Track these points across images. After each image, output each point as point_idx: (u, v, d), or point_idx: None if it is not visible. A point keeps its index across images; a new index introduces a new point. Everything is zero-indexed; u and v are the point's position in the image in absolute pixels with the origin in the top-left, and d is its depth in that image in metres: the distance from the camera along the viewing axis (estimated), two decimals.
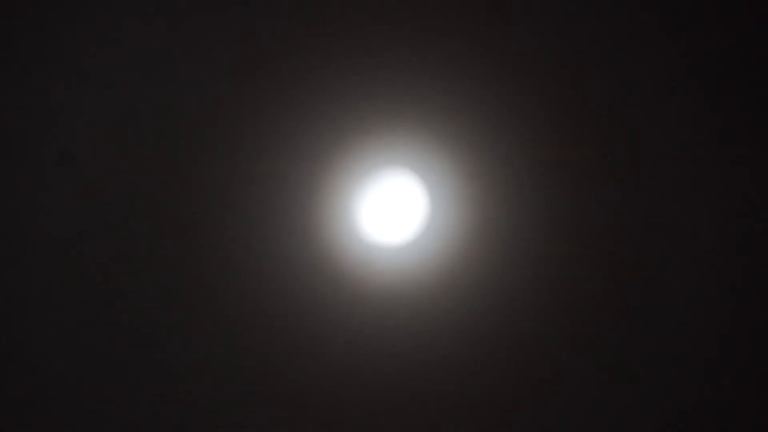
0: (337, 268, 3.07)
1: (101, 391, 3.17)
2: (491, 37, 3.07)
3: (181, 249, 3.11)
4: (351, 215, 3.04)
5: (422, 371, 3.17)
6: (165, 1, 2.99)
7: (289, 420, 3.20)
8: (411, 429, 3.21)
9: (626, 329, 3.22)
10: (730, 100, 3.16)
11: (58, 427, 3.17)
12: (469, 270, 3.08)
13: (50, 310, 3.13)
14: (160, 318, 3.13)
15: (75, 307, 3.12)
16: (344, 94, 3.06)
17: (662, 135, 3.17)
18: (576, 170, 3.13)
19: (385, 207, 3.00)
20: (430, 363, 3.17)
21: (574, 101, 3.12)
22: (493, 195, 3.07)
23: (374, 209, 3.01)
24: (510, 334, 3.16)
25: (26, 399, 3.15)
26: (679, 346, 3.24)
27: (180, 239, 3.11)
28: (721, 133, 3.17)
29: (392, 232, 3.01)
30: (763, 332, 3.23)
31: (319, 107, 3.05)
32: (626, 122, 3.16)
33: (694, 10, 3.14)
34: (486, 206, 3.06)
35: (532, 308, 3.16)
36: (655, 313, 3.23)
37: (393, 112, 3.05)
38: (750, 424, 3.26)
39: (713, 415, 3.27)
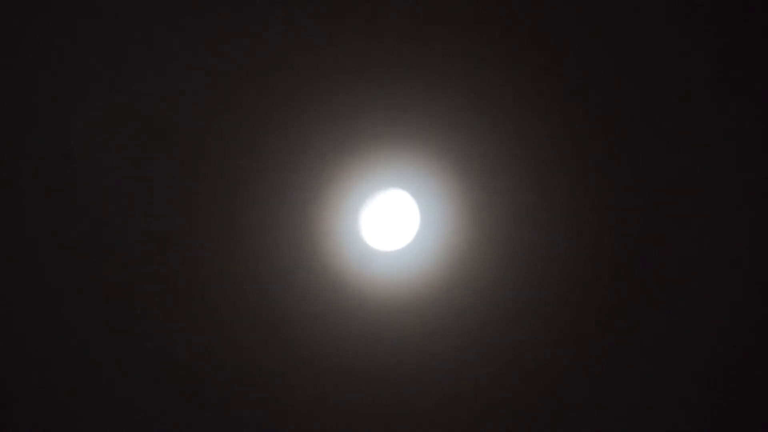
0: (337, 272, 3.10)
1: (101, 391, 3.17)
2: (476, 50, 3.00)
3: (181, 253, 3.07)
4: (351, 225, 3.08)
5: (415, 367, 3.19)
6: (167, 2, 2.92)
7: (286, 423, 3.20)
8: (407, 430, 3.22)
9: (624, 341, 3.18)
10: (733, 100, 3.07)
11: (59, 427, 3.18)
12: (456, 272, 3.13)
13: (51, 308, 3.11)
14: (159, 325, 3.11)
15: (75, 307, 3.11)
16: (344, 111, 3.02)
17: (657, 141, 3.09)
18: (552, 182, 3.09)
19: (381, 217, 3.08)
20: (423, 361, 3.19)
21: (558, 115, 3.05)
22: (476, 205, 3.08)
23: (371, 219, 3.08)
24: (497, 334, 3.18)
25: (26, 398, 3.15)
26: (680, 345, 3.20)
27: (180, 242, 3.07)
28: (726, 132, 3.08)
29: (388, 240, 3.10)
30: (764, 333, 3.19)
31: (320, 124, 3.03)
32: (620, 132, 3.07)
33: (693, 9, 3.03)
34: (470, 215, 3.08)
35: (519, 306, 3.17)
36: (655, 318, 3.18)
37: (386, 129, 3.03)
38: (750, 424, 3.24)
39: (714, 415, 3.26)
